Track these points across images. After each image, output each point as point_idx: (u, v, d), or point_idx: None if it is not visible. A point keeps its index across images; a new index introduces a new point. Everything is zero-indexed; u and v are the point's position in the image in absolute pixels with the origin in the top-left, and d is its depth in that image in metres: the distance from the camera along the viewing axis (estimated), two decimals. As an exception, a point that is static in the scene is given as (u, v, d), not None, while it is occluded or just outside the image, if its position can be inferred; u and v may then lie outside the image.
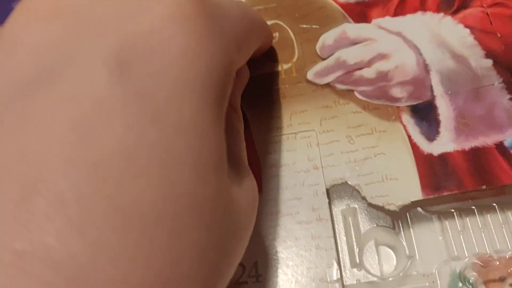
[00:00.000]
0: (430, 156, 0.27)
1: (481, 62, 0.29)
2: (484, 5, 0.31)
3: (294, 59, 0.31)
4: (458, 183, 0.26)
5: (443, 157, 0.27)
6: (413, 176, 0.27)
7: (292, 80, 0.30)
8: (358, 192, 0.27)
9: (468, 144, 0.27)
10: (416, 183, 0.27)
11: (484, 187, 0.26)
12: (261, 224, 0.27)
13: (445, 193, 0.26)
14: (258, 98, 0.30)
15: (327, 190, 0.27)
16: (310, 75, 0.30)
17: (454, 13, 0.31)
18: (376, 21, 0.31)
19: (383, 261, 0.26)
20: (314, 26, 0.32)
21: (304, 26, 0.32)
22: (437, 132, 0.28)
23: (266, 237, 0.27)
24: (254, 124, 0.29)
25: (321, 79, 0.30)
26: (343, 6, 0.32)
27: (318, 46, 0.31)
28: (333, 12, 0.32)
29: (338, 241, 0.27)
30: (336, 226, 0.27)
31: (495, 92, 0.28)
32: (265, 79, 0.31)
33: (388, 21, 0.31)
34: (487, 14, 0.30)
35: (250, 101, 0.30)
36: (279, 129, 0.29)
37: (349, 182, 0.27)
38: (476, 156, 0.27)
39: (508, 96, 0.28)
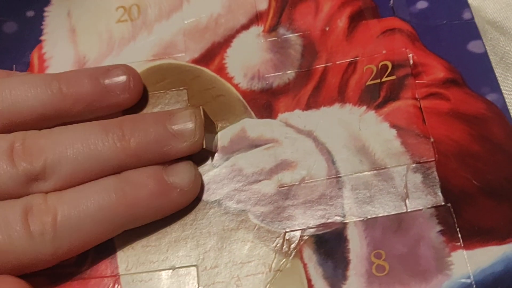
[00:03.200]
0: (332, 312, 0.21)
1: (407, 177, 0.23)
2: (417, 95, 0.24)
3: None
4: None
5: (349, 316, 0.20)
6: None
7: (174, 196, 0.24)
8: None
9: (381, 299, 0.21)
10: None
11: None
12: None
13: None
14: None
15: None
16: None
17: (379, 106, 0.24)
18: (283, 116, 0.25)
19: None
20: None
21: None
22: (345, 278, 0.21)
23: None
24: (123, 254, 0.23)
25: (210, 193, 0.23)
26: (245, 94, 0.26)
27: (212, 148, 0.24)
28: (233, 102, 0.26)
29: None
30: None
31: (422, 221, 0.22)
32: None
33: (297, 117, 0.25)
34: (420, 109, 0.24)
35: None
36: (153, 263, 0.23)
37: None
38: (390, 317, 0.20)
39: (438, 228, 0.21)
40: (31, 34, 0.29)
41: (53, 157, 0.22)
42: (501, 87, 0.24)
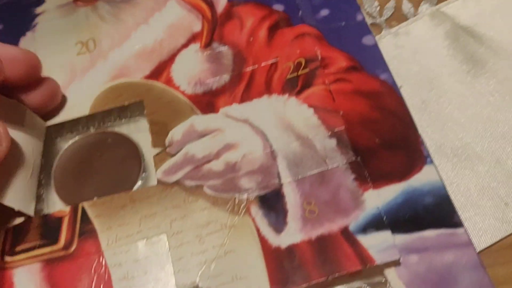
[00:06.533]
0: (278, 249, 0.27)
1: (325, 143, 0.29)
2: (327, 81, 0.31)
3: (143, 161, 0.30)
4: (305, 276, 0.26)
5: (291, 250, 0.26)
6: (261, 273, 0.26)
7: (143, 179, 0.29)
8: (209, 296, 0.26)
9: (314, 233, 0.27)
10: (265, 280, 0.26)
11: (329, 277, 0.25)
12: None
13: (293, 288, 0.25)
14: (104, 206, 0.29)
15: (180, 298, 0.26)
16: (159, 174, 0.29)
17: (298, 93, 0.31)
18: (223, 110, 0.31)
19: None
20: (163, 121, 0.31)
21: (153, 127, 0.31)
22: (285, 223, 0.27)
23: None
24: (103, 234, 0.28)
25: (170, 177, 0.29)
26: (191, 98, 0.32)
27: (167, 142, 0.30)
28: (181, 105, 0.32)
29: None
30: (191, 335, 0.26)
31: (339, 174, 0.28)
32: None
33: (235, 109, 0.31)
34: (330, 91, 0.30)
35: (97, 208, 0.29)
36: (129, 237, 0.28)
37: (200, 286, 0.26)
38: (322, 245, 0.26)
39: (352, 176, 0.28)
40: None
41: None
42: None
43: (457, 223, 0.26)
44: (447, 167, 0.29)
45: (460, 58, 0.32)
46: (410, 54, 0.33)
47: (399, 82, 0.31)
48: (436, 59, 0.33)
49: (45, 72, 0.33)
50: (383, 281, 0.26)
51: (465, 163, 0.29)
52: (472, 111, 0.30)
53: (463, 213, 0.28)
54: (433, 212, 0.27)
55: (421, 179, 0.28)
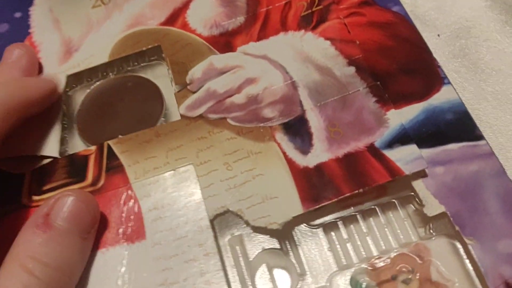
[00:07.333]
0: (306, 169, 0.27)
1: (344, 71, 0.30)
2: (341, 16, 0.31)
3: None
4: (336, 191, 0.26)
5: (319, 168, 0.27)
6: (292, 191, 0.27)
7: (165, 117, 0.30)
8: (241, 217, 0.26)
9: (341, 151, 0.27)
10: (295, 198, 0.26)
11: (361, 190, 0.26)
12: (148, 270, 0.26)
13: (324, 203, 0.26)
14: (130, 141, 0.29)
15: (211, 222, 0.26)
16: (182, 109, 0.30)
17: (314, 28, 0.31)
18: (241, 49, 0.31)
19: (277, 283, 0.25)
20: (182, 61, 0.31)
21: (173, 66, 0.31)
22: (311, 145, 0.28)
23: (153, 283, 0.26)
24: (130, 168, 0.28)
25: (193, 111, 0.30)
26: (207, 39, 0.32)
27: (187, 80, 0.31)
28: (199, 46, 0.32)
29: (229, 273, 0.25)
30: (225, 257, 0.26)
31: (361, 97, 0.29)
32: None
33: (252, 47, 0.31)
34: (345, 24, 0.31)
35: (123, 144, 0.29)
36: (156, 169, 0.28)
37: (230, 209, 0.26)
38: (350, 161, 0.27)
39: (374, 99, 0.28)
40: (21, 30, 0.35)
41: None
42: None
43: (479, 136, 0.27)
44: (488, 110, 0.30)
45: (498, 9, 0.33)
46: (447, 6, 0.33)
47: (436, 31, 0.32)
48: (473, 10, 0.33)
49: (63, 27, 0.34)
50: (411, 193, 0.26)
51: (505, 106, 0.30)
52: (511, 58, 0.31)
53: (504, 154, 0.28)
54: (454, 127, 0.27)
55: (441, 98, 0.28)
